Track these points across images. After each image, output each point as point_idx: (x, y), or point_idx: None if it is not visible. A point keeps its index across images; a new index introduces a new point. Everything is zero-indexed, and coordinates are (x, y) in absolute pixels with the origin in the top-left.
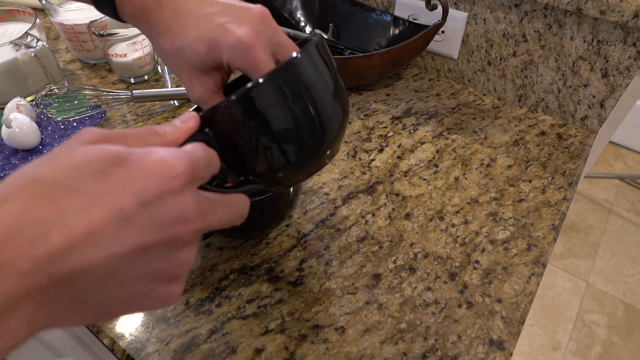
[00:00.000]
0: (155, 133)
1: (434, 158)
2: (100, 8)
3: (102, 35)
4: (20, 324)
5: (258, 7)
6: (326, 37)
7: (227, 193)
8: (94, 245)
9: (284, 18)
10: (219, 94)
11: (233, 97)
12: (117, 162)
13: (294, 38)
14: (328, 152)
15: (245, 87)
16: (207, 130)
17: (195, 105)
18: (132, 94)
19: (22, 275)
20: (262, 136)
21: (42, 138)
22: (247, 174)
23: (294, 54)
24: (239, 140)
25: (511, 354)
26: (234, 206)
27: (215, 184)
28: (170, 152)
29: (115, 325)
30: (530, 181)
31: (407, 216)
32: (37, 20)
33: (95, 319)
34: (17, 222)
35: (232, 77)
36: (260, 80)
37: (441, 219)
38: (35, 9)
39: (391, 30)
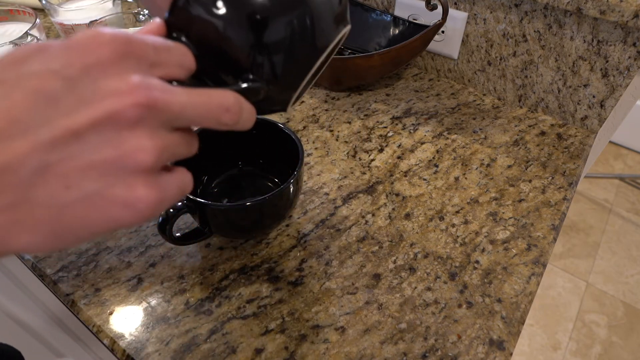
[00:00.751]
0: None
1: (434, 158)
2: None
3: None
4: None
5: None
6: None
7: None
8: (18, 133)
9: None
10: None
11: None
12: (40, 48)
13: None
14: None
15: None
16: (175, 35)
17: None
18: None
19: None
20: (233, 13)
21: None
22: (240, 74)
23: None
24: (213, 32)
25: (511, 354)
26: (213, 95)
27: None
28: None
29: (115, 325)
30: (530, 181)
31: (407, 216)
32: (37, 20)
33: (54, 233)
34: None
35: None
36: None
37: (441, 219)
38: (35, 9)
39: (391, 30)
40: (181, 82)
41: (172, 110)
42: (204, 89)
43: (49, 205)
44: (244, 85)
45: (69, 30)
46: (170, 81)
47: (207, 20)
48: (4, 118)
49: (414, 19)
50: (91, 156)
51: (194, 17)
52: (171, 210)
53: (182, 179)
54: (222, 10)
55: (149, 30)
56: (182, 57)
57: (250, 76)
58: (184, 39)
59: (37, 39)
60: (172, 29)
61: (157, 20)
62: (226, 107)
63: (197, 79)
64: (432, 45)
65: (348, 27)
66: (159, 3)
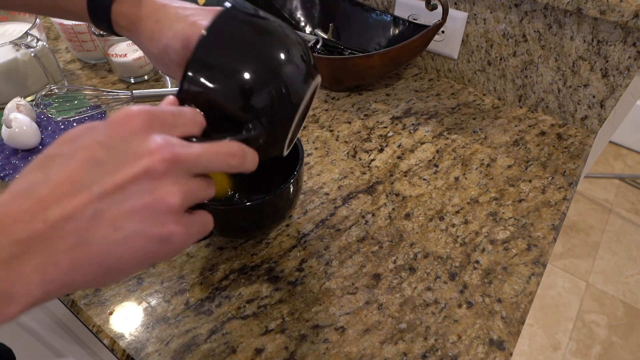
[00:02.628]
0: None
1: (434, 158)
2: (96, 24)
3: (102, 35)
4: (31, 270)
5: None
6: (326, 37)
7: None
8: (75, 190)
9: (284, 18)
10: None
11: (184, 71)
12: (89, 127)
13: None
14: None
15: (189, 57)
16: (187, 104)
17: None
18: (132, 94)
19: (21, 223)
20: (226, 82)
21: (42, 138)
22: (240, 128)
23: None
24: (212, 101)
25: (511, 354)
26: (222, 145)
27: None
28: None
29: (115, 325)
30: (530, 181)
31: (407, 216)
32: (37, 20)
33: (105, 267)
34: (17, 189)
35: None
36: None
37: (441, 219)
38: None
39: (391, 30)
40: (198, 138)
41: (191, 161)
42: (215, 142)
43: (101, 244)
44: (244, 135)
45: (69, 30)
46: (189, 138)
47: (207, 94)
48: (66, 181)
49: (414, 19)
50: (132, 203)
51: (197, 93)
52: None
53: (204, 218)
54: (217, 86)
55: (167, 103)
56: (194, 118)
57: (249, 127)
58: (194, 105)
59: (37, 39)
60: (183, 101)
61: (171, 97)
62: (232, 153)
63: (209, 133)
64: (432, 45)
65: (318, 78)
66: (175, 78)
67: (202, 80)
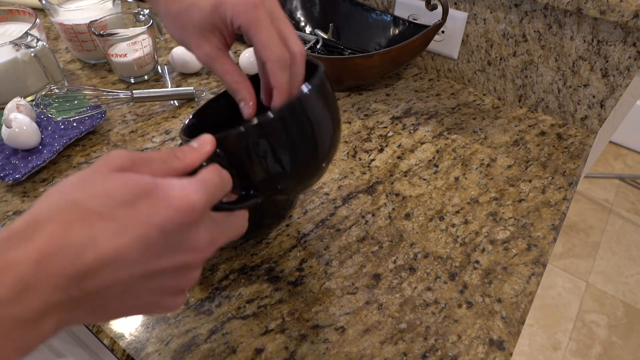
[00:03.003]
0: (175, 157)
1: (434, 158)
2: None
3: (102, 35)
4: (51, 325)
5: None
6: (326, 37)
7: (232, 210)
8: (120, 266)
9: None
10: (225, 52)
11: (243, 129)
12: (144, 194)
13: None
14: (324, 165)
15: (257, 120)
16: (219, 151)
17: (198, 109)
18: (132, 94)
19: (59, 288)
20: (268, 159)
21: (42, 138)
22: (249, 188)
23: (304, 89)
24: (247, 162)
25: (511, 354)
26: (236, 225)
27: None
28: (190, 186)
29: (115, 325)
30: (530, 181)
31: (407, 216)
32: (37, 20)
33: (108, 319)
34: (59, 242)
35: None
36: (271, 116)
37: (441, 219)
38: (35, 9)
39: (391, 30)
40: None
41: (216, 249)
42: (233, 219)
43: (118, 307)
44: (250, 201)
45: (69, 30)
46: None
47: (253, 157)
48: (113, 254)
49: (414, 19)
50: (161, 283)
51: (242, 151)
52: None
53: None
54: (269, 161)
55: (205, 142)
56: (229, 187)
57: (252, 192)
58: (222, 154)
59: (37, 39)
60: (219, 147)
61: (211, 139)
62: (242, 233)
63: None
64: (432, 45)
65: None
66: (188, 42)
67: (254, 147)
